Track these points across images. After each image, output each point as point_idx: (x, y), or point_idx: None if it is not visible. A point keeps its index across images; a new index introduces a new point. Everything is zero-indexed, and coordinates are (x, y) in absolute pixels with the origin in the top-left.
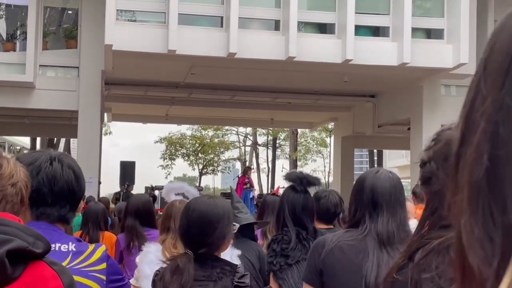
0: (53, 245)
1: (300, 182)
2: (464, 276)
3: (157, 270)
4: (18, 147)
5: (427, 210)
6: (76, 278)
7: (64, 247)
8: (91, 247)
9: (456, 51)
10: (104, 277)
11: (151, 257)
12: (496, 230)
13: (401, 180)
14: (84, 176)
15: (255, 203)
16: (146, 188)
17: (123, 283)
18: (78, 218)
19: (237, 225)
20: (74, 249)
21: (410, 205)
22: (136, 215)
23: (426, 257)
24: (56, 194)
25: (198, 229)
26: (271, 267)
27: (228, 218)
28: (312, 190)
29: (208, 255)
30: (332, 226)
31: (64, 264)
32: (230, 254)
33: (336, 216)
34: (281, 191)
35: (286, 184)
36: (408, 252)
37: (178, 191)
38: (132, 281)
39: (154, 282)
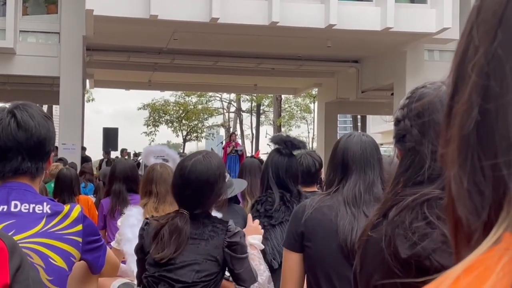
0: (26, 206)
1: (285, 145)
2: (456, 228)
3: (146, 219)
4: None
5: (401, 167)
6: (51, 241)
7: (38, 208)
8: (67, 207)
9: (440, 16)
10: (80, 239)
11: (133, 220)
12: (485, 183)
13: (384, 146)
14: (67, 142)
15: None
16: (129, 154)
17: (99, 244)
18: (49, 185)
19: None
20: (48, 211)
21: None
22: (124, 180)
23: (400, 213)
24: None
25: (196, 190)
26: None
27: (224, 176)
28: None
29: (200, 214)
30: (315, 189)
31: (38, 227)
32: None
33: (315, 178)
34: (261, 155)
35: (268, 149)
36: (382, 209)
37: (158, 154)
38: (113, 243)
39: (142, 230)
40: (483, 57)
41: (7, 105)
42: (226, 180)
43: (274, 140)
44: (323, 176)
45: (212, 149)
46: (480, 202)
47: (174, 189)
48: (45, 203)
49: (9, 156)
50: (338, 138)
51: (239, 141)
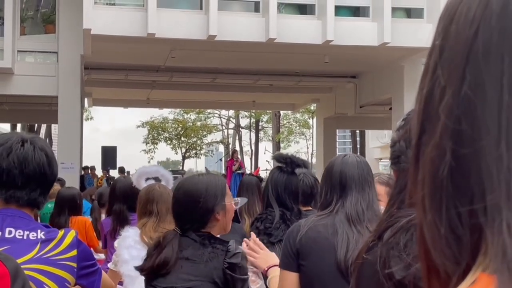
0: (20, 232)
1: (285, 163)
2: (430, 273)
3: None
4: None
5: (396, 188)
6: (46, 267)
7: (32, 235)
8: (61, 233)
9: None
10: (74, 265)
11: (129, 241)
12: (463, 230)
13: (383, 160)
14: (65, 161)
15: None
16: (128, 172)
17: (94, 269)
18: (47, 206)
19: (238, 200)
20: (43, 237)
21: (380, 188)
22: (124, 199)
23: (395, 235)
24: (26, 176)
25: (182, 205)
26: None
27: (214, 194)
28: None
29: (201, 234)
30: (310, 208)
31: (33, 253)
32: None
33: (313, 197)
34: (260, 172)
35: (268, 166)
36: (378, 231)
37: (152, 175)
38: (110, 265)
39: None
40: (452, 99)
41: (11, 129)
42: None
43: (275, 158)
44: None
45: (206, 168)
46: (458, 248)
47: (171, 209)
48: (39, 230)
49: (29, 185)
50: (334, 157)
51: (239, 157)
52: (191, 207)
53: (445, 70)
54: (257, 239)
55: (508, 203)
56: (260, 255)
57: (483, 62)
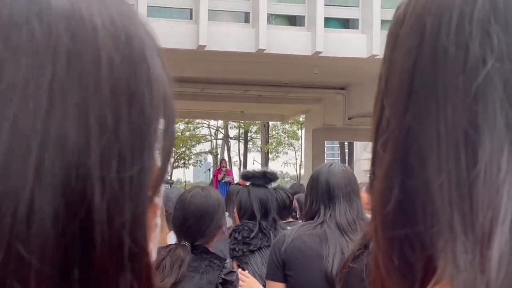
0: None
1: (263, 177)
2: None
3: None
4: None
5: None
6: None
7: None
8: None
9: None
10: None
11: None
12: (416, 260)
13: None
14: None
15: None
16: None
17: None
18: None
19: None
20: None
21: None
22: None
23: None
24: None
25: (195, 220)
26: (234, 253)
27: (223, 209)
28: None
29: (199, 247)
30: (291, 220)
31: None
32: None
33: (289, 211)
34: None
35: None
36: (364, 240)
37: None
38: None
39: None
40: (398, 131)
41: None
42: None
43: (247, 176)
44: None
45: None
46: (412, 277)
47: (175, 221)
48: None
49: None
50: (319, 166)
51: (228, 166)
52: (207, 223)
53: (389, 102)
54: (243, 272)
55: (451, 234)
56: (246, 282)
57: (422, 96)
